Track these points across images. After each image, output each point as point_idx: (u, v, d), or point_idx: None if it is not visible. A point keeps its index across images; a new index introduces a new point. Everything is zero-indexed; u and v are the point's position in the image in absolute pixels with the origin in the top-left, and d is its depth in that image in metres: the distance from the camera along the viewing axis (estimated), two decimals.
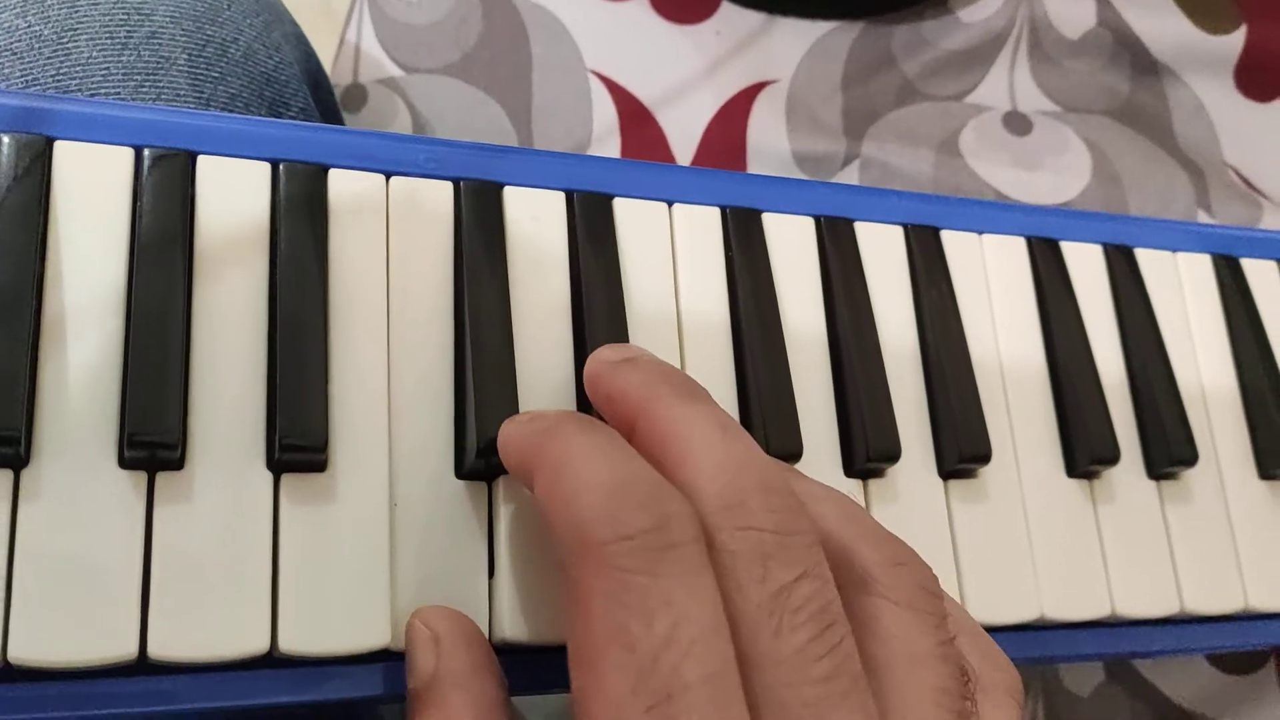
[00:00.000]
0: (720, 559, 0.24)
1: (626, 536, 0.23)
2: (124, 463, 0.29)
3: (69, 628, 0.27)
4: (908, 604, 0.27)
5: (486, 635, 0.30)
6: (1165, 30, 0.57)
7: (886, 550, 0.28)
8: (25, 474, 0.28)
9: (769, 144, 0.54)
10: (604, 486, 0.24)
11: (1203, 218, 0.56)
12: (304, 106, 0.44)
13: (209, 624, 0.28)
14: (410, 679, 0.29)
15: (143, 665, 0.28)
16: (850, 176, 0.54)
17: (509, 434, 0.29)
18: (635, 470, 0.25)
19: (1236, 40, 0.57)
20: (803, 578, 0.25)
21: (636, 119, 0.54)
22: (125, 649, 0.27)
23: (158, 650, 0.28)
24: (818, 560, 0.25)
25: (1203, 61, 0.57)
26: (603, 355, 0.30)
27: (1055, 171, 0.54)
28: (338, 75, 0.54)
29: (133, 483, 0.29)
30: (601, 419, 0.30)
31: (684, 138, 0.54)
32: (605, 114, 0.54)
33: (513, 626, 0.30)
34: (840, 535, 0.28)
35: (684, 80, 0.55)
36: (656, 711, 0.22)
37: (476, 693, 0.28)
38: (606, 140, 0.54)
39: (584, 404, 0.33)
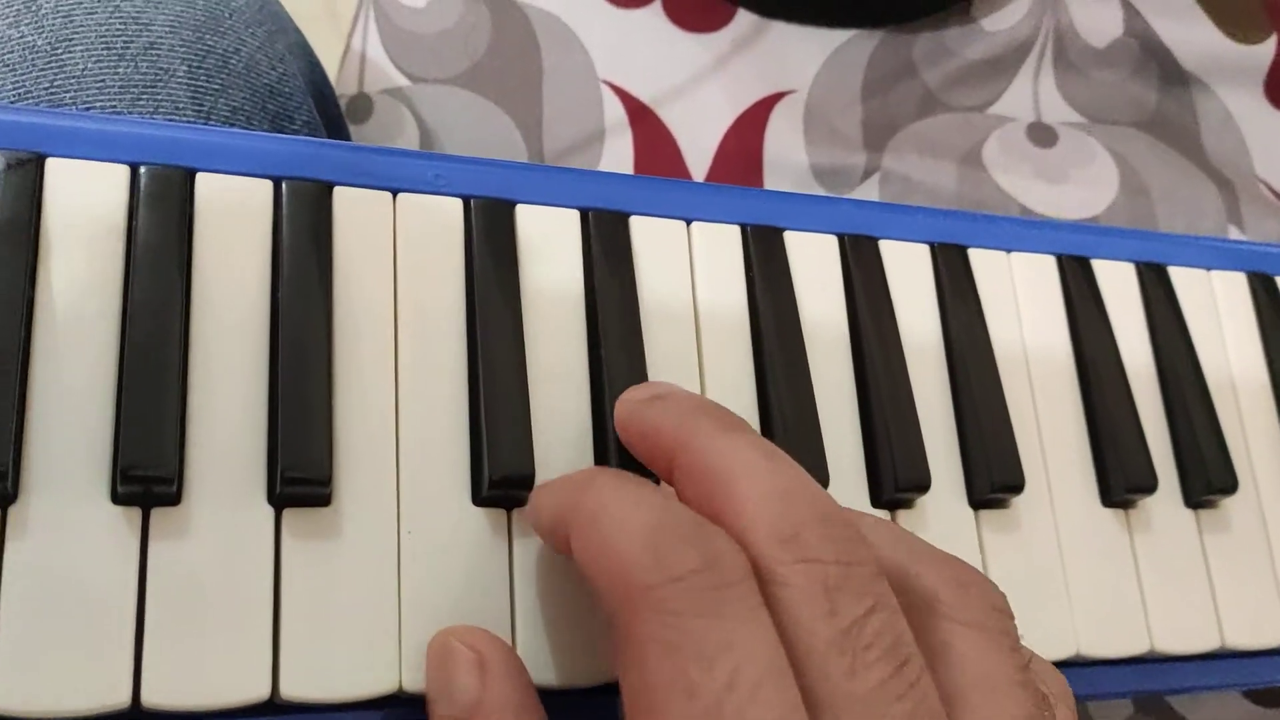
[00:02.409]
0: (780, 594, 0.23)
1: (676, 578, 0.22)
2: (117, 498, 0.27)
3: (57, 674, 0.26)
4: (979, 626, 0.25)
5: None
6: (1194, 40, 0.55)
7: (949, 571, 0.26)
8: (13, 510, 0.27)
9: (786, 156, 0.53)
10: (645, 529, 0.23)
11: (1233, 232, 0.54)
12: (308, 119, 0.42)
13: (206, 669, 0.27)
14: (442, 705, 0.27)
15: (136, 714, 0.26)
16: (870, 189, 0.52)
17: (540, 498, 0.28)
18: (675, 511, 0.24)
19: (1267, 50, 0.56)
20: (873, 611, 0.23)
21: (650, 130, 0.53)
22: (117, 697, 0.26)
23: (151, 698, 0.26)
24: (885, 591, 0.24)
25: (1232, 72, 0.55)
26: (631, 396, 0.29)
27: (1081, 184, 0.53)
28: (343, 85, 0.53)
29: (126, 519, 0.27)
30: (636, 463, 0.29)
31: (699, 150, 0.53)
32: (618, 125, 0.53)
33: (532, 668, 0.29)
34: (898, 560, 0.26)
35: (699, 90, 0.54)
36: None
37: None
38: (619, 152, 0.53)
39: (599, 426, 0.32)
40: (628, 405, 0.29)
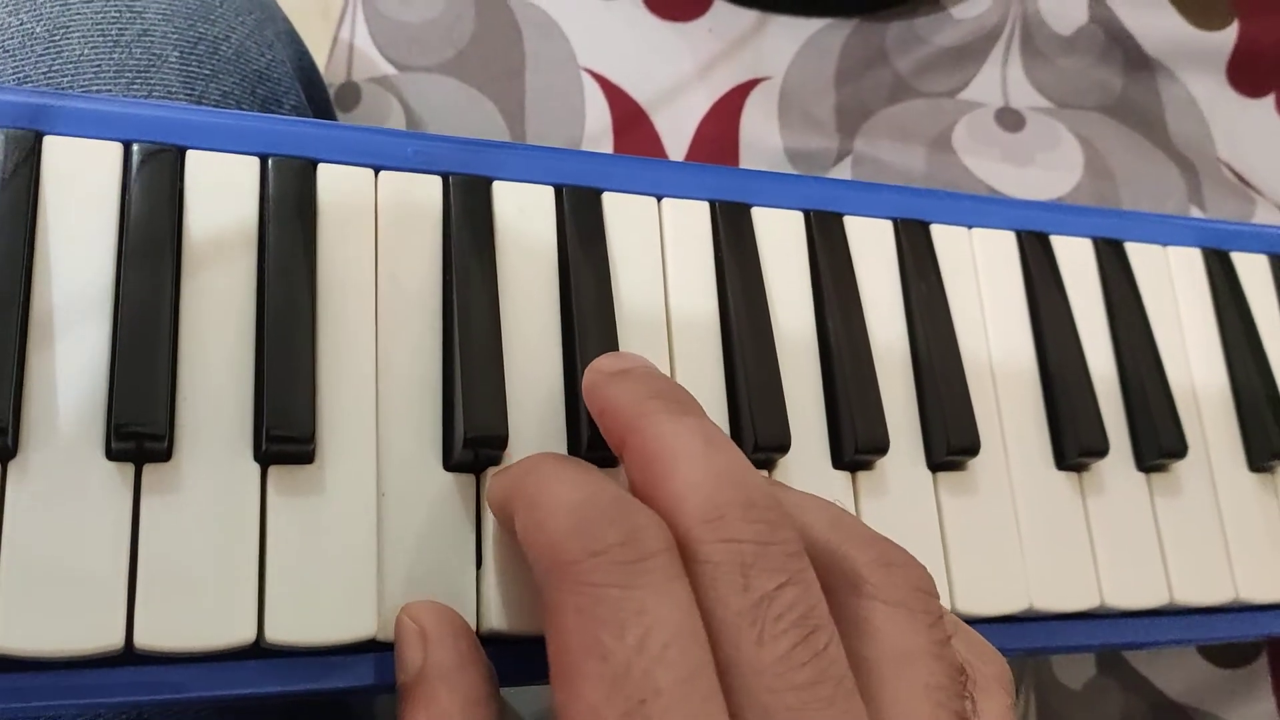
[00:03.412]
0: (701, 571, 0.25)
1: (596, 552, 0.24)
2: (111, 454, 0.29)
3: (56, 617, 0.27)
4: (899, 603, 0.27)
5: (474, 626, 0.31)
6: (1158, 26, 0.57)
7: (875, 551, 0.28)
8: (13, 465, 0.28)
9: (761, 141, 0.54)
10: (571, 506, 0.25)
11: (1195, 213, 0.56)
12: (297, 104, 0.44)
13: (196, 614, 0.28)
14: (399, 673, 0.29)
15: (129, 655, 0.28)
16: (843, 173, 0.54)
17: (492, 483, 0.30)
18: (603, 490, 0.25)
19: (1229, 36, 0.57)
20: (784, 585, 0.25)
21: (629, 116, 0.54)
22: (111, 639, 0.27)
23: (144, 640, 0.28)
24: (801, 568, 0.25)
25: (1195, 57, 0.57)
26: (600, 365, 0.31)
27: (1048, 167, 0.55)
28: (331, 74, 0.54)
29: (120, 474, 0.29)
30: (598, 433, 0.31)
31: (677, 135, 0.54)
32: (598, 111, 0.54)
33: (499, 617, 0.30)
34: (828, 541, 0.28)
35: (677, 77, 0.55)
36: (632, 717, 0.22)
37: (464, 687, 0.28)
38: (599, 137, 0.54)
39: (571, 394, 0.33)
40: (593, 376, 0.30)
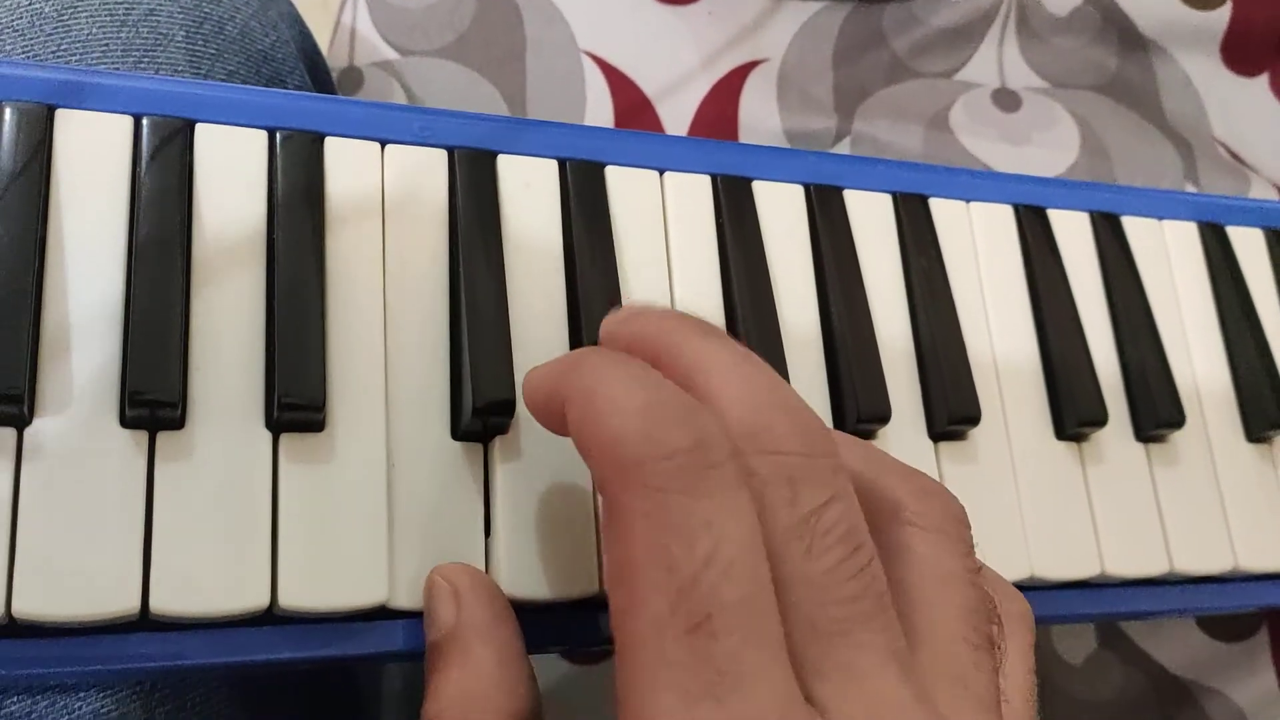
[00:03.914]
0: (750, 483, 0.24)
1: (665, 456, 0.23)
2: (125, 421, 0.29)
3: (72, 584, 0.28)
4: (937, 529, 0.27)
5: None
6: (1152, 6, 0.57)
7: (914, 482, 0.28)
8: (28, 432, 0.28)
9: (761, 122, 0.55)
10: (639, 406, 0.24)
11: (1190, 191, 0.56)
12: (301, 85, 0.44)
13: (210, 581, 0.29)
14: (431, 631, 0.29)
15: (145, 622, 0.28)
16: (842, 152, 0.55)
17: (533, 374, 0.29)
18: (669, 390, 0.25)
19: (1223, 15, 0.58)
20: (831, 501, 0.25)
21: (630, 99, 0.55)
22: (127, 605, 0.28)
23: (159, 606, 0.28)
24: (844, 484, 0.25)
25: (1190, 37, 0.57)
26: (611, 317, 0.30)
27: (1044, 146, 0.55)
28: (333, 59, 0.55)
29: (134, 441, 0.29)
30: None
31: (677, 116, 0.55)
32: (599, 94, 0.55)
33: (509, 585, 0.31)
34: (867, 470, 0.28)
35: (677, 59, 0.56)
36: (697, 631, 0.22)
37: (498, 642, 0.29)
38: (600, 122, 0.55)
39: None
40: (609, 325, 0.30)
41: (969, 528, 0.28)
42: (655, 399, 0.24)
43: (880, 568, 0.25)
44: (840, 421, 0.36)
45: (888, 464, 0.29)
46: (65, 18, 0.37)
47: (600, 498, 0.25)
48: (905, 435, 0.37)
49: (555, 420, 0.27)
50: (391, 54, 0.55)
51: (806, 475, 0.25)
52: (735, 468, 0.24)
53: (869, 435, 0.37)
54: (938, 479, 0.37)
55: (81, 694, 0.31)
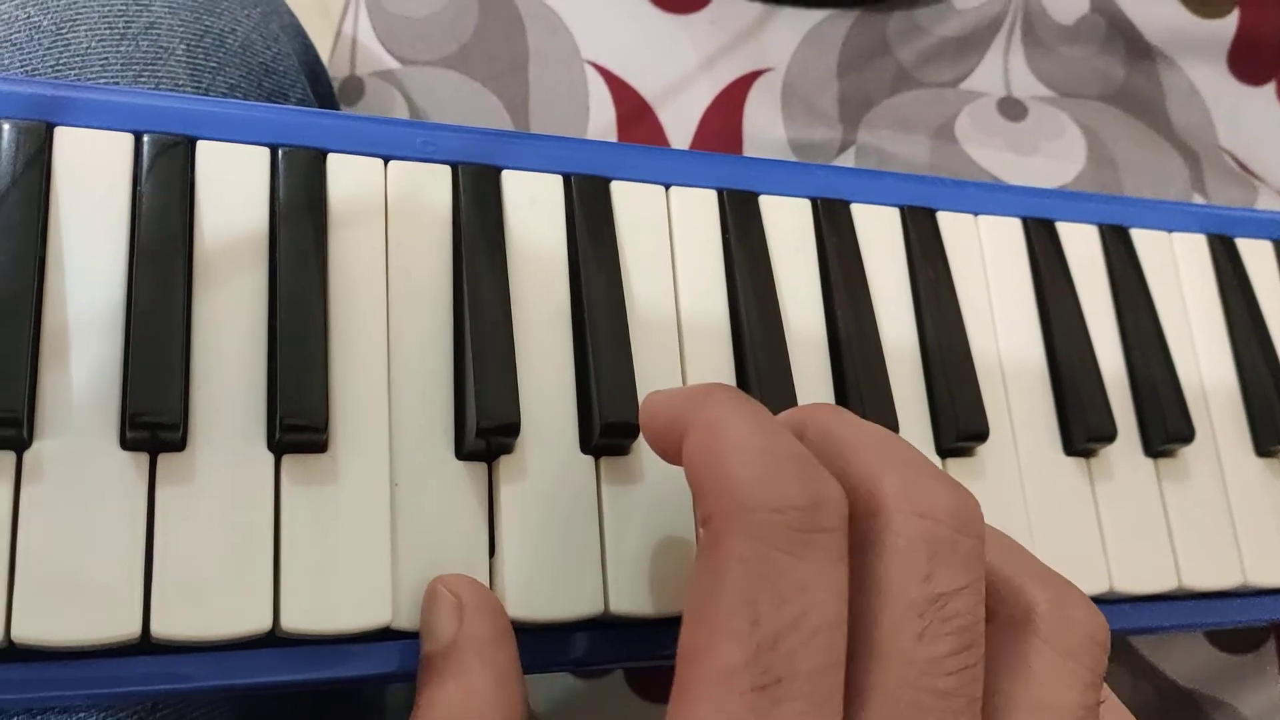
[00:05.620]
0: (887, 541, 0.24)
1: (777, 508, 0.23)
2: (125, 444, 0.29)
3: (72, 607, 0.27)
4: (1068, 654, 0.25)
5: None
6: (1159, 15, 0.57)
7: (1054, 590, 0.26)
8: (28, 455, 0.28)
9: (765, 132, 0.55)
10: (761, 453, 0.24)
11: (1198, 201, 0.56)
12: (302, 97, 0.44)
13: (211, 603, 0.28)
14: (428, 642, 0.29)
15: (146, 645, 0.28)
16: (846, 163, 0.54)
17: (657, 399, 0.28)
18: (795, 446, 0.24)
19: (1229, 24, 0.57)
20: (964, 590, 0.24)
21: (633, 109, 0.55)
22: (128, 628, 0.27)
23: (160, 629, 0.28)
24: (979, 577, 0.24)
25: (1196, 46, 0.57)
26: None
27: (1050, 156, 0.55)
28: (335, 68, 0.55)
29: (135, 464, 0.29)
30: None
31: (680, 127, 0.54)
32: (602, 104, 0.55)
33: (512, 606, 0.30)
34: (1005, 565, 0.27)
35: (680, 70, 0.56)
36: (763, 692, 0.22)
37: (496, 663, 0.28)
38: (604, 130, 0.55)
39: (582, 382, 0.33)
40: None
41: (1106, 651, 0.26)
42: (780, 448, 0.24)
43: (982, 672, 0.24)
44: None
45: (1026, 562, 0.27)
46: (64, 31, 0.37)
47: (699, 529, 0.25)
48: None
49: (670, 447, 0.27)
50: (393, 64, 0.54)
51: (949, 553, 0.24)
52: (841, 538, 0.23)
53: None
54: None
55: (81, 714, 0.31)
